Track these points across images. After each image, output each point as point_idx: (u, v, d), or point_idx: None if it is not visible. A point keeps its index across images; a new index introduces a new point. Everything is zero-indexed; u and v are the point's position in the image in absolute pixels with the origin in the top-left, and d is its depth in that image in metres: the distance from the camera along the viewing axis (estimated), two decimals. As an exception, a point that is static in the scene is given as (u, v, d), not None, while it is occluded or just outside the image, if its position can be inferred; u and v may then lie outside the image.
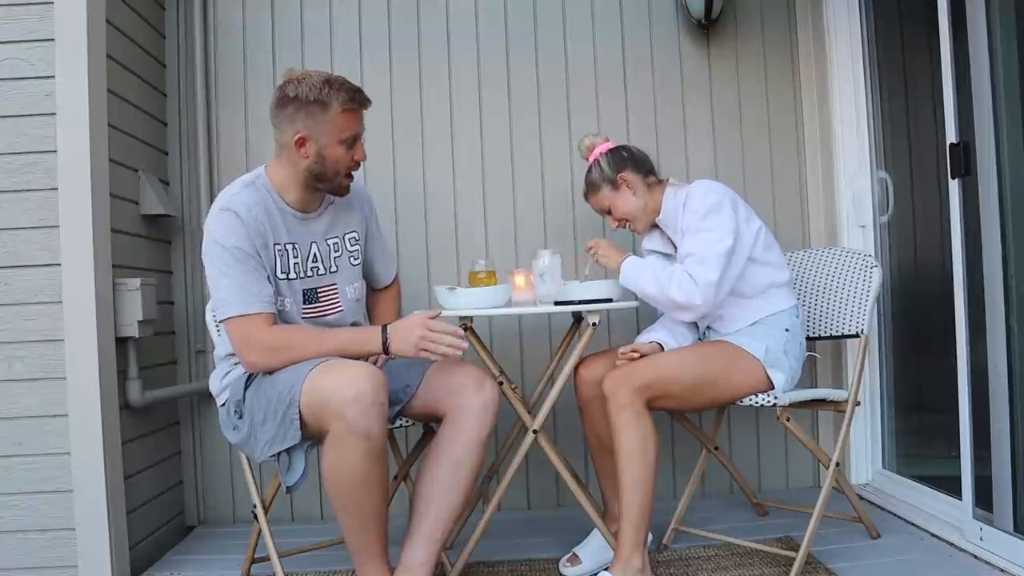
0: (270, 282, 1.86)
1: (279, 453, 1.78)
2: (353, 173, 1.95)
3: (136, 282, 2.27)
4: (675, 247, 2.21)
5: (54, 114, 2.13)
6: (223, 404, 1.97)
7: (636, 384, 1.96)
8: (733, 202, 2.09)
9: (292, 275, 1.91)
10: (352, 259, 2.04)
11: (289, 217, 1.92)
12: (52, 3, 2.13)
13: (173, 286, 2.79)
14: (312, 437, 1.79)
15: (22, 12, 2.14)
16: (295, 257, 1.92)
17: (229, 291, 1.80)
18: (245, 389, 1.87)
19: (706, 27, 2.87)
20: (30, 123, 2.14)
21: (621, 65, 2.91)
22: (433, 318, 1.81)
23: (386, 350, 1.81)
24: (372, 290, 2.23)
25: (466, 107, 2.88)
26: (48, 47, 2.13)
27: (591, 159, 2.24)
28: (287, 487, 1.80)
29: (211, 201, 2.73)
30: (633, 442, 1.95)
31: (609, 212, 2.24)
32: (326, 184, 1.91)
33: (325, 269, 1.98)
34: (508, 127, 2.89)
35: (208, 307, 2.28)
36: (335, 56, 2.86)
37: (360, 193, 2.11)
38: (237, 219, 1.81)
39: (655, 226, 2.27)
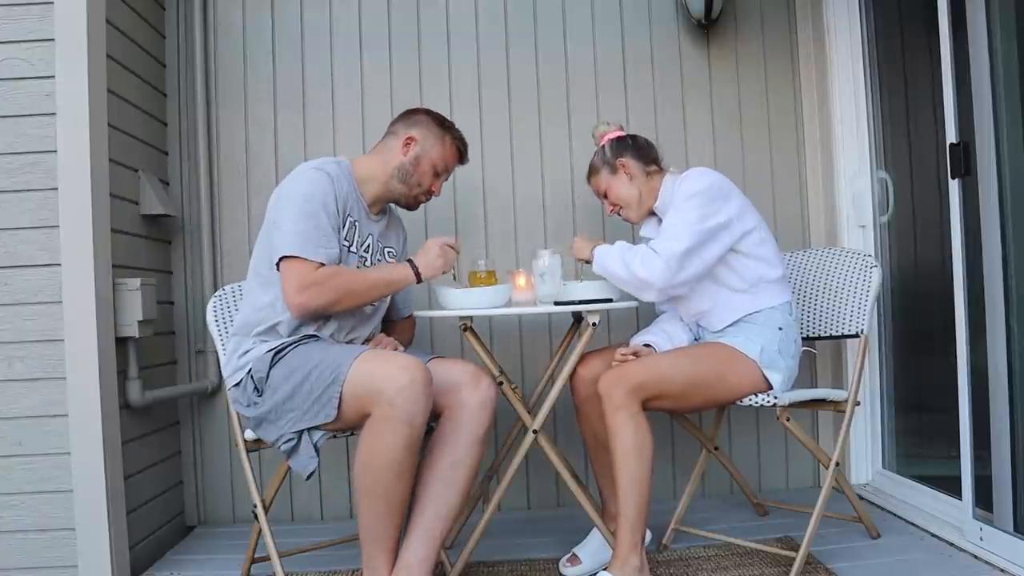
0: (339, 246, 1.96)
1: (299, 432, 1.81)
2: (423, 200, 2.16)
3: (136, 282, 2.27)
4: None
5: (54, 114, 2.13)
6: (238, 383, 1.97)
7: (630, 385, 1.96)
8: (724, 190, 2.07)
9: (353, 248, 2.02)
10: None
11: (361, 205, 2.06)
12: (52, 3, 2.13)
13: (173, 286, 2.79)
14: (334, 426, 1.80)
15: (22, 12, 2.14)
16: (358, 236, 2.05)
17: (303, 235, 1.89)
18: (271, 367, 1.88)
19: (706, 27, 2.87)
20: (30, 123, 2.14)
21: (621, 65, 2.91)
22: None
23: (419, 278, 1.97)
24: (389, 321, 2.30)
25: (466, 107, 2.88)
26: (48, 47, 2.13)
27: (600, 144, 2.27)
28: (307, 474, 1.82)
29: (211, 201, 2.79)
30: (629, 443, 1.95)
31: (606, 196, 2.26)
32: (404, 187, 2.10)
33: (370, 264, 2.08)
34: (508, 127, 2.89)
35: (209, 306, 2.29)
36: (335, 56, 2.86)
37: (401, 222, 2.30)
38: (328, 179, 1.95)
39: (652, 213, 2.27)
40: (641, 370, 2.01)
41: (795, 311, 2.20)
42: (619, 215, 2.28)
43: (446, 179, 2.18)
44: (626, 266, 2.04)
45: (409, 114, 2.15)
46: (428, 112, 2.15)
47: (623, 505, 1.95)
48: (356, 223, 2.03)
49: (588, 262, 2.17)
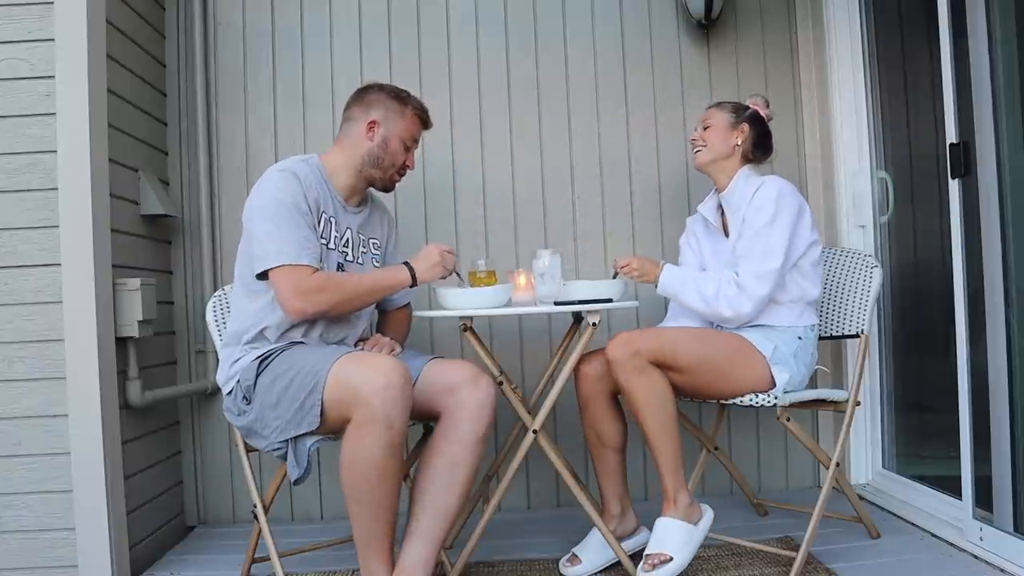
0: (319, 242, 1.95)
1: (287, 441, 1.81)
2: (398, 179, 2.13)
3: (136, 282, 2.27)
4: (724, 226, 2.27)
5: (54, 114, 2.12)
6: (230, 392, 1.98)
7: (637, 348, 1.98)
8: (800, 210, 2.13)
9: (331, 245, 2.01)
10: (374, 261, 2.14)
11: (334, 199, 2.04)
12: (52, 3, 2.12)
13: (173, 286, 2.79)
14: (322, 431, 1.80)
15: (22, 12, 2.14)
16: (336, 231, 2.02)
17: (283, 242, 1.87)
18: (257, 375, 1.88)
19: (706, 27, 2.87)
20: (30, 123, 2.14)
21: (621, 65, 2.91)
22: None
23: (415, 280, 1.98)
24: (384, 312, 2.31)
25: (466, 107, 2.88)
26: (48, 47, 2.13)
27: (747, 104, 2.30)
28: (294, 479, 1.81)
29: (211, 201, 2.79)
30: (645, 396, 1.98)
31: (705, 128, 2.28)
32: (379, 172, 2.07)
33: (353, 257, 2.07)
34: (508, 127, 2.89)
35: (209, 306, 2.29)
36: (335, 56, 2.86)
37: (389, 213, 2.29)
38: (295, 179, 1.93)
39: (716, 192, 2.30)
40: (650, 337, 2.03)
41: (816, 331, 2.22)
42: (695, 147, 2.29)
43: (416, 148, 2.14)
44: (705, 302, 2.11)
45: (362, 94, 2.10)
46: (381, 87, 2.10)
47: (658, 455, 2.01)
48: (332, 219, 2.01)
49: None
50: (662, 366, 2.00)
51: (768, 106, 2.32)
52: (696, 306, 2.13)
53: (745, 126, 2.24)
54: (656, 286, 2.18)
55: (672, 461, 2.01)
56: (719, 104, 2.31)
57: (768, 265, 2.07)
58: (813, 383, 2.23)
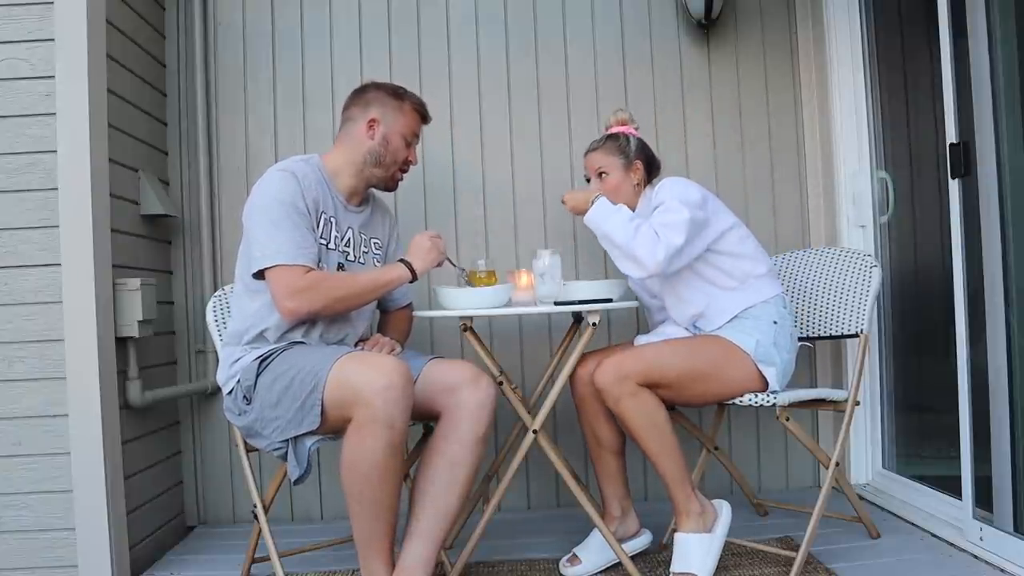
0: (316, 244, 1.95)
1: (287, 441, 1.81)
2: (401, 177, 2.14)
3: (136, 282, 2.27)
4: None
5: (54, 114, 2.12)
6: (230, 391, 1.98)
7: (625, 374, 1.97)
8: (701, 191, 2.12)
9: (331, 245, 2.00)
10: (376, 261, 2.14)
11: (335, 199, 2.04)
12: (52, 3, 2.13)
13: (173, 286, 2.79)
14: (323, 430, 1.80)
15: (22, 12, 2.14)
16: (336, 231, 2.02)
17: (279, 242, 1.87)
18: (257, 375, 1.88)
19: (706, 27, 2.87)
20: (30, 123, 2.14)
21: (621, 65, 2.91)
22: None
23: (414, 275, 1.97)
24: (385, 312, 2.31)
25: (466, 107, 2.88)
26: (48, 47, 2.13)
27: (618, 130, 2.29)
28: (294, 479, 1.81)
29: (211, 201, 2.79)
30: (640, 421, 1.98)
31: (600, 176, 2.27)
32: (381, 170, 2.07)
33: (354, 257, 2.07)
34: (508, 127, 2.89)
35: (209, 306, 2.29)
36: (335, 56, 2.86)
37: (390, 212, 2.29)
38: (294, 179, 1.92)
39: None
40: (636, 361, 2.01)
41: (788, 304, 2.20)
42: None
43: (416, 144, 2.14)
44: (627, 236, 2.03)
45: (360, 94, 2.11)
46: (378, 86, 2.11)
47: (662, 472, 2.01)
48: (332, 219, 2.01)
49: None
50: (651, 385, 2.00)
51: (633, 119, 2.33)
52: (617, 238, 2.05)
53: (637, 162, 2.25)
54: (586, 213, 2.13)
55: (677, 475, 2.01)
56: (602, 149, 2.27)
57: (677, 216, 2.02)
58: (811, 376, 2.23)
